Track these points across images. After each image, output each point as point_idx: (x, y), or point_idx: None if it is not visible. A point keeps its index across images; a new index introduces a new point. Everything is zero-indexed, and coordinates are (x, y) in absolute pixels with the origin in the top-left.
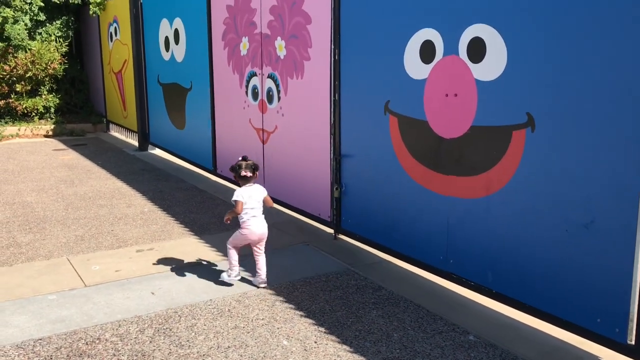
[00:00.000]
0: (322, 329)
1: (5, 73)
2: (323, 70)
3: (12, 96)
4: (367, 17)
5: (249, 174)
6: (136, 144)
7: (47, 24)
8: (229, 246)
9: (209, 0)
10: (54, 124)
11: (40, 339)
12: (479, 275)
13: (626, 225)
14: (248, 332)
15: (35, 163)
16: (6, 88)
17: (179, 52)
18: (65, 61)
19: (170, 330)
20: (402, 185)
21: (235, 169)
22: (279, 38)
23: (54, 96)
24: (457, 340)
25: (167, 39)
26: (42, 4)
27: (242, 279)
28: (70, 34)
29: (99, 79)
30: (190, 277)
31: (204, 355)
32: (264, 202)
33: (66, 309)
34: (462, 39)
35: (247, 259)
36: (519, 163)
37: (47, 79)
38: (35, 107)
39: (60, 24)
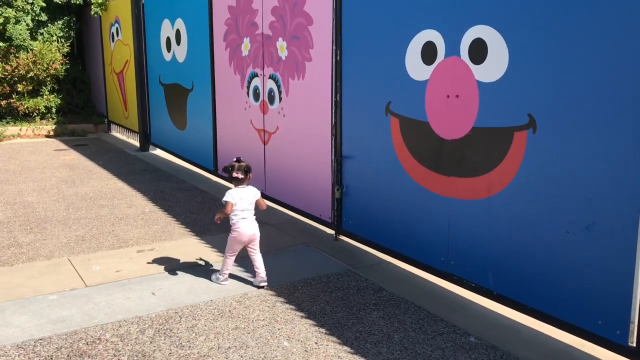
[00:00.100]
0: (323, 330)
1: (6, 73)
2: (324, 71)
3: (14, 96)
4: (369, 18)
5: (241, 175)
6: (137, 144)
7: (49, 24)
8: (226, 254)
9: (210, 0)
10: (55, 124)
11: (41, 339)
12: (480, 277)
13: (627, 226)
14: (249, 333)
15: (36, 163)
16: (8, 88)
17: (180, 52)
18: (67, 61)
19: (171, 330)
20: (403, 186)
21: (228, 170)
22: (280, 39)
23: (55, 96)
24: (457, 342)
25: (168, 39)
26: (43, 5)
27: (243, 280)
28: (72, 34)
29: (101, 79)
30: (191, 278)
31: (204, 355)
32: (257, 204)
33: (67, 309)
34: (463, 40)
35: (247, 260)
36: (520, 164)
37: (48, 79)
38: (37, 107)
39: (62, 24)
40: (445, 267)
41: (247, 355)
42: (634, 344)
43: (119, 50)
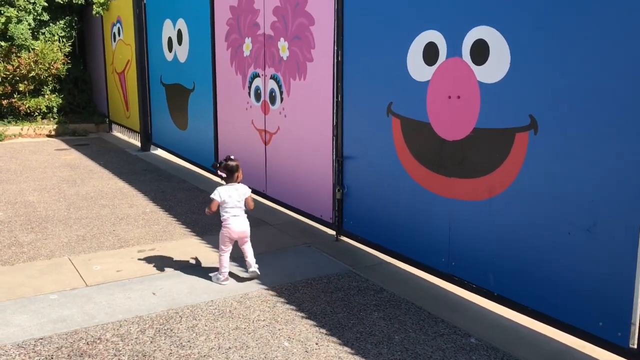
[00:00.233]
0: (324, 331)
1: (8, 73)
2: (326, 71)
3: (15, 96)
4: (370, 19)
5: (224, 174)
6: (138, 144)
7: (51, 24)
8: (220, 252)
9: (212, 1)
10: (56, 123)
11: (41, 339)
12: (481, 278)
13: (629, 228)
14: (249, 333)
15: (37, 163)
16: (9, 88)
17: (181, 52)
18: (69, 61)
19: (171, 330)
20: (404, 187)
21: (215, 166)
22: (282, 39)
23: (56, 96)
24: (458, 343)
25: (170, 39)
26: (45, 4)
27: (242, 280)
28: (74, 34)
29: (102, 79)
30: (192, 278)
31: (204, 356)
32: (245, 202)
33: (67, 309)
34: (465, 41)
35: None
36: (522, 166)
37: (50, 79)
38: (38, 107)
39: (64, 24)
40: (446, 268)
41: (248, 356)
42: (635, 346)
43: (120, 50)
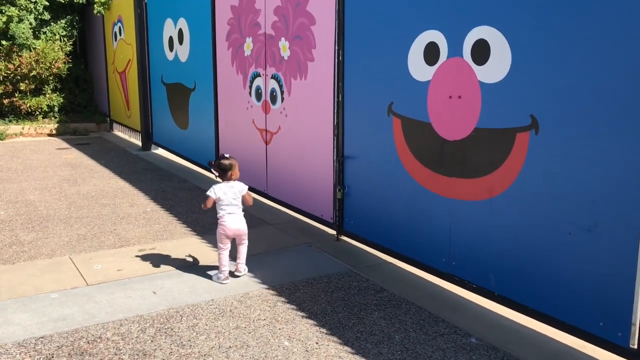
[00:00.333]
0: (324, 330)
1: (9, 72)
2: (327, 71)
3: (16, 95)
4: (371, 19)
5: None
6: (139, 143)
7: (52, 23)
8: (218, 250)
9: (213, 0)
10: (57, 123)
11: (42, 337)
12: (481, 278)
13: (629, 228)
14: (249, 333)
15: (38, 162)
16: (10, 87)
17: (182, 52)
18: (70, 60)
19: (172, 329)
20: (404, 187)
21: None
22: (283, 39)
23: (57, 95)
24: (458, 343)
25: (171, 39)
26: (46, 3)
27: (244, 280)
28: (75, 33)
29: (103, 79)
30: (192, 277)
31: (205, 355)
32: (243, 199)
33: (68, 308)
34: (466, 40)
35: (248, 261)
36: (522, 166)
37: (51, 78)
38: (39, 106)
39: (65, 23)
40: (447, 268)
41: (248, 355)
42: (635, 346)
43: (121, 50)
